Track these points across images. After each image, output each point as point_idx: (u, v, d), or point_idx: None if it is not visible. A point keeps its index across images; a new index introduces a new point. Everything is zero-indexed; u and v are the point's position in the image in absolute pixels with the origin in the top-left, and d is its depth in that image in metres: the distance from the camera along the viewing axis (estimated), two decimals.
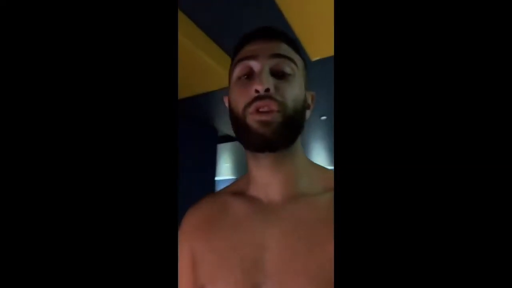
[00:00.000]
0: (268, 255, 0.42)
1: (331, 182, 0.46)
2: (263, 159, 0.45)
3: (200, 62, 1.86)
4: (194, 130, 3.24)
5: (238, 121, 0.44)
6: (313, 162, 0.51)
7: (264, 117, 0.41)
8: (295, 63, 0.45)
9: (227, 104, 0.50)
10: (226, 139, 3.82)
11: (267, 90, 0.42)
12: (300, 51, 0.49)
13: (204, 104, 2.83)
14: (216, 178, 3.75)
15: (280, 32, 0.48)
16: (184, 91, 2.40)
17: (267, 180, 0.46)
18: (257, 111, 0.42)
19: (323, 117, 3.09)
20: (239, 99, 0.44)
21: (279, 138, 0.42)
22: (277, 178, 0.46)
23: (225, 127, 3.49)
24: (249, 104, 0.43)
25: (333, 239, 0.39)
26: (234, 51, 0.49)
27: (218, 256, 0.45)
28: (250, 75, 0.45)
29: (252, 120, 0.42)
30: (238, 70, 0.46)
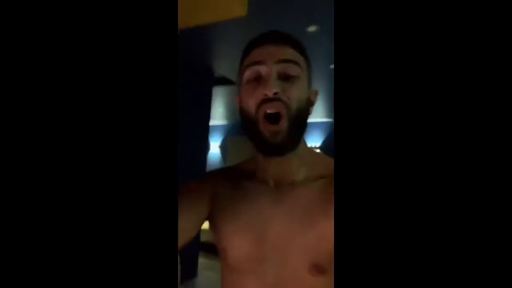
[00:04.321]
0: (272, 231, 0.51)
1: (325, 169, 0.54)
2: (272, 159, 0.52)
3: None
4: (188, 69, 3.00)
5: (250, 125, 0.50)
6: (312, 150, 0.58)
7: (275, 128, 0.48)
8: (300, 66, 0.50)
9: (238, 105, 0.54)
10: (222, 81, 3.57)
11: (275, 93, 0.47)
12: (305, 53, 0.53)
13: (201, 38, 2.53)
14: (210, 123, 3.60)
15: (285, 36, 0.52)
16: (183, 21, 2.12)
17: (274, 172, 0.54)
18: (267, 117, 0.48)
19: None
20: (249, 101, 0.50)
21: (288, 143, 0.49)
22: (283, 169, 0.54)
23: (222, 68, 3.23)
24: (259, 106, 0.48)
25: (323, 222, 0.48)
26: (243, 55, 0.54)
27: (235, 225, 0.53)
28: (258, 78, 0.50)
29: (264, 128, 0.48)
30: (247, 75, 0.51)
